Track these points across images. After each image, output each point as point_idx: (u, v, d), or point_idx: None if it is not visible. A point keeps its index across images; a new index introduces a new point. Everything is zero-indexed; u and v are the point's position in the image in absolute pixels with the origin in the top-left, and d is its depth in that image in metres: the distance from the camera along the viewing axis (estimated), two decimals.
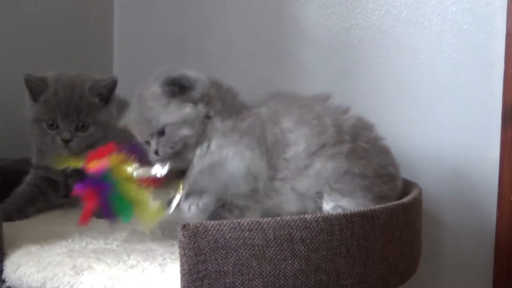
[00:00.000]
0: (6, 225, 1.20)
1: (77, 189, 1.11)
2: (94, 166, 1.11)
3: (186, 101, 1.18)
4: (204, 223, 0.95)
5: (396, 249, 1.09)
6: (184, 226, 0.93)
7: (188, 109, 1.18)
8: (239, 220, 0.96)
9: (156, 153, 1.17)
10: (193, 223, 0.94)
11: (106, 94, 1.41)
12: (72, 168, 1.29)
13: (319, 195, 1.15)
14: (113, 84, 1.41)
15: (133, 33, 1.93)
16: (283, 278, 0.95)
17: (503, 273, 1.44)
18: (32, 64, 1.70)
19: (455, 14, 1.47)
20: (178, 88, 1.17)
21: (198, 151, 1.18)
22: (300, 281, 0.96)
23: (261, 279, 0.95)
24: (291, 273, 0.96)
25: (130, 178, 1.12)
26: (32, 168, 1.46)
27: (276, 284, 0.95)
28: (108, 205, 1.10)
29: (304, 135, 1.15)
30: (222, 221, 0.96)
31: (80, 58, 1.83)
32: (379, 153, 1.19)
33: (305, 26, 1.64)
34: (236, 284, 0.94)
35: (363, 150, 1.16)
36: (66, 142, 1.36)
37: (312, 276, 0.97)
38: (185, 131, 1.17)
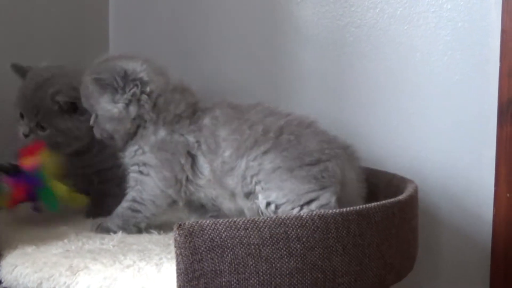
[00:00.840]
0: (2, 226, 1.20)
1: (10, 181, 1.29)
2: (28, 163, 1.29)
3: (117, 99, 1.26)
4: (200, 222, 0.94)
5: (392, 246, 1.09)
6: (180, 225, 0.93)
7: (115, 110, 1.26)
8: (235, 219, 0.96)
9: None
10: (188, 222, 0.94)
11: (69, 103, 1.39)
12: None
13: (254, 195, 1.19)
14: (76, 102, 1.37)
15: (129, 31, 1.93)
16: (279, 276, 0.95)
17: (500, 270, 1.44)
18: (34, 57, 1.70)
19: (450, 12, 1.47)
20: (109, 85, 1.26)
21: (128, 150, 1.29)
22: (296, 279, 0.96)
23: (257, 278, 0.94)
24: (287, 272, 0.96)
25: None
26: None
27: (272, 283, 0.95)
28: (35, 196, 1.30)
29: (235, 141, 1.22)
30: (218, 220, 0.96)
31: (75, 54, 1.83)
32: (306, 141, 1.20)
33: (301, 25, 1.64)
34: (232, 283, 0.94)
35: (286, 142, 1.19)
36: (25, 136, 1.40)
37: (308, 274, 0.97)
38: (110, 126, 1.28)
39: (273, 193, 1.17)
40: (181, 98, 1.29)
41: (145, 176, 1.26)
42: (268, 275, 0.95)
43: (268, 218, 0.96)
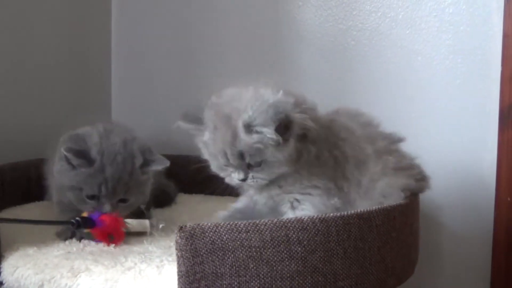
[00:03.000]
0: (3, 228, 1.20)
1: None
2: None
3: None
4: (201, 224, 0.95)
5: (393, 250, 1.09)
6: (181, 227, 0.93)
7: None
8: (236, 222, 0.96)
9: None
10: (190, 225, 0.94)
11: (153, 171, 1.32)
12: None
13: None
14: (164, 168, 1.31)
15: (131, 33, 1.94)
16: (280, 279, 0.95)
17: (500, 273, 1.45)
18: (29, 70, 1.71)
19: (452, 16, 1.47)
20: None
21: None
22: (297, 282, 0.96)
23: (258, 281, 0.94)
24: (288, 275, 0.96)
25: None
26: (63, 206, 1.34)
27: (273, 286, 0.95)
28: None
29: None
30: (219, 222, 0.96)
31: (78, 59, 1.84)
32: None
33: (303, 29, 1.64)
34: (233, 285, 0.94)
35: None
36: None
37: (309, 277, 0.97)
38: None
39: None
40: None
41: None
42: (269, 278, 0.95)
43: (269, 221, 0.96)
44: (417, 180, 1.20)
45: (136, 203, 1.31)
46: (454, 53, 1.48)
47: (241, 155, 1.10)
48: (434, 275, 1.52)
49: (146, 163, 1.27)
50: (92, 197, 1.24)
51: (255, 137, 1.08)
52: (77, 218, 1.17)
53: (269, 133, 1.07)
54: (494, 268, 1.45)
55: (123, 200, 1.26)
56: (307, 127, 1.11)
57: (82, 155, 1.23)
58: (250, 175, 1.13)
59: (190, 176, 1.69)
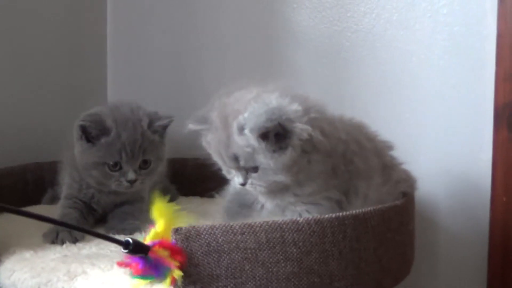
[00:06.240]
0: (0, 232, 1.20)
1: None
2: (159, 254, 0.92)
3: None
4: (196, 226, 0.95)
5: (389, 250, 1.09)
6: (177, 230, 0.93)
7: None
8: (231, 224, 0.96)
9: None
10: (185, 227, 0.94)
11: (162, 131, 1.40)
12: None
13: None
14: (170, 122, 1.40)
15: (127, 34, 1.94)
16: (275, 281, 0.96)
17: (497, 273, 1.45)
18: (29, 65, 1.71)
19: (446, 16, 1.48)
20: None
21: None
22: (293, 283, 0.96)
23: (253, 282, 0.95)
24: (283, 276, 0.96)
25: None
26: (69, 195, 1.41)
27: (269, 287, 0.95)
28: None
29: None
30: (215, 224, 0.96)
31: (74, 65, 1.85)
32: None
33: (297, 30, 1.65)
34: (228, 287, 0.94)
35: None
36: (132, 182, 1.35)
37: (305, 278, 0.97)
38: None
39: None
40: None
41: None
42: (265, 280, 0.95)
43: (265, 223, 0.96)
44: (411, 188, 1.23)
45: (156, 168, 1.39)
46: (449, 53, 1.48)
47: (235, 158, 1.09)
48: (430, 275, 1.52)
49: (152, 122, 1.37)
50: (114, 167, 1.33)
51: (244, 140, 1.05)
52: (129, 240, 0.89)
53: (251, 138, 1.04)
54: (490, 267, 1.46)
55: (143, 167, 1.36)
56: (313, 139, 1.05)
57: (99, 124, 1.33)
58: (249, 180, 1.10)
59: (187, 178, 1.70)
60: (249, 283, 0.95)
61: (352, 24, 1.57)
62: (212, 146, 1.12)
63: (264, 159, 1.06)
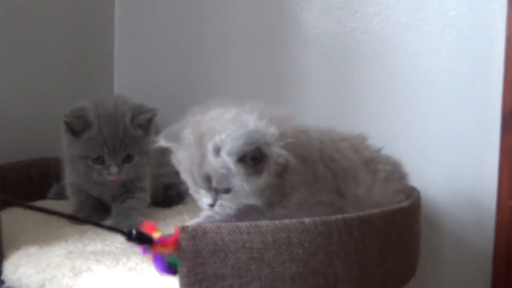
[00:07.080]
0: (6, 227, 1.20)
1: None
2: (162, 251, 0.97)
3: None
4: (203, 225, 0.95)
5: (394, 253, 1.09)
6: (183, 228, 0.94)
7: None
8: (238, 223, 0.96)
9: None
10: (191, 226, 0.94)
11: (146, 125, 1.42)
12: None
13: None
14: (153, 116, 1.42)
15: (133, 37, 1.94)
16: (281, 281, 0.96)
17: (501, 278, 1.44)
18: (33, 66, 1.71)
19: (455, 19, 1.47)
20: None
21: None
22: (298, 284, 0.96)
23: (259, 282, 0.95)
24: (289, 276, 0.96)
25: None
26: (74, 187, 1.47)
27: (274, 287, 0.95)
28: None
29: None
30: (221, 223, 0.96)
31: (80, 60, 1.85)
32: None
33: (305, 30, 1.64)
34: (234, 287, 0.94)
35: None
36: (115, 174, 1.38)
37: (310, 279, 0.97)
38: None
39: None
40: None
41: None
42: (270, 280, 0.95)
43: (271, 223, 0.97)
44: (405, 186, 1.22)
45: (140, 162, 1.41)
46: (457, 56, 1.47)
47: (207, 178, 1.05)
48: (435, 278, 1.52)
49: (134, 116, 1.39)
50: (97, 161, 1.37)
51: (220, 161, 1.02)
52: (133, 231, 0.95)
53: (230, 162, 1.01)
54: (495, 272, 1.45)
55: (126, 161, 1.39)
56: (289, 164, 1.04)
57: (82, 119, 1.37)
58: (219, 202, 1.06)
59: None
60: (255, 283, 0.95)
61: (361, 25, 1.57)
62: (183, 164, 1.09)
63: (239, 181, 1.03)
